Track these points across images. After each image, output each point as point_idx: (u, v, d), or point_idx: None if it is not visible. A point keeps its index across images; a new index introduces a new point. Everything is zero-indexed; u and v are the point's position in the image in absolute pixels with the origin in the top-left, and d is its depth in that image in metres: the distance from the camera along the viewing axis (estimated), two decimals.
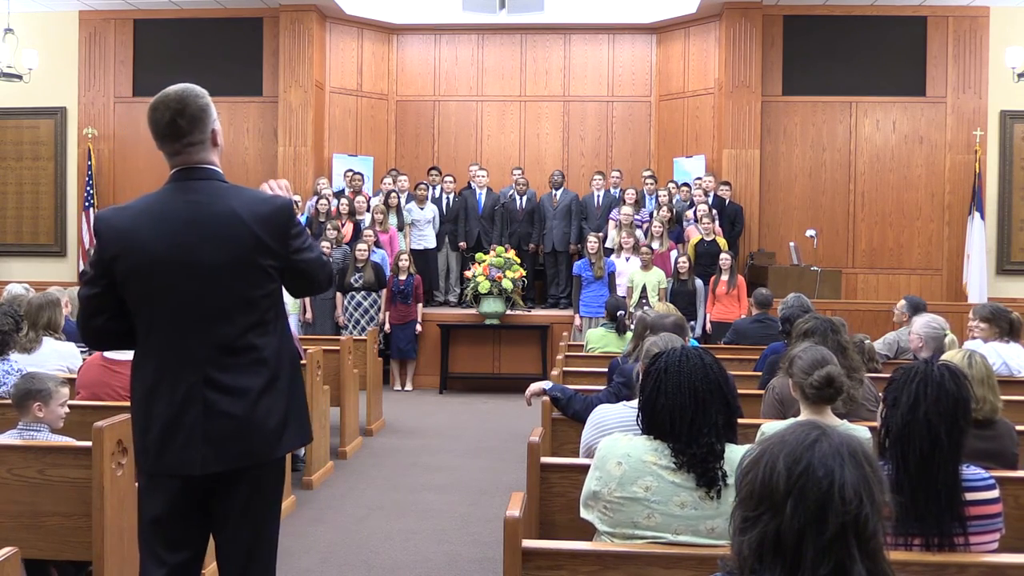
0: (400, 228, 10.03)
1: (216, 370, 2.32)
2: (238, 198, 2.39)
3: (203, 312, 2.33)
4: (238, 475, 2.35)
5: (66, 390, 3.50)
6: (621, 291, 8.94)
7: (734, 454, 2.20)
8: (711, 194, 10.19)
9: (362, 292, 9.05)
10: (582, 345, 6.84)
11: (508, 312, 9.52)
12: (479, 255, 9.69)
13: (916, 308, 5.97)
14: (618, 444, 2.27)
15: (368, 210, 10.08)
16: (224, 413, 2.30)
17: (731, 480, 2.15)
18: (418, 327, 9.38)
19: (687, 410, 2.21)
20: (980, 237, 10.43)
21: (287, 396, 2.41)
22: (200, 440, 2.29)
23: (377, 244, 9.46)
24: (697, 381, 2.24)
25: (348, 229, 9.79)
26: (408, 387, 9.45)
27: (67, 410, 3.49)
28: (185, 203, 2.36)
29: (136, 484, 3.32)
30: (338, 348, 6.57)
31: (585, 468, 2.36)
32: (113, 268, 2.35)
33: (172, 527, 2.35)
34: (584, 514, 2.27)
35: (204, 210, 2.35)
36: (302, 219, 8.50)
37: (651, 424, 2.28)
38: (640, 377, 2.66)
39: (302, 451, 5.58)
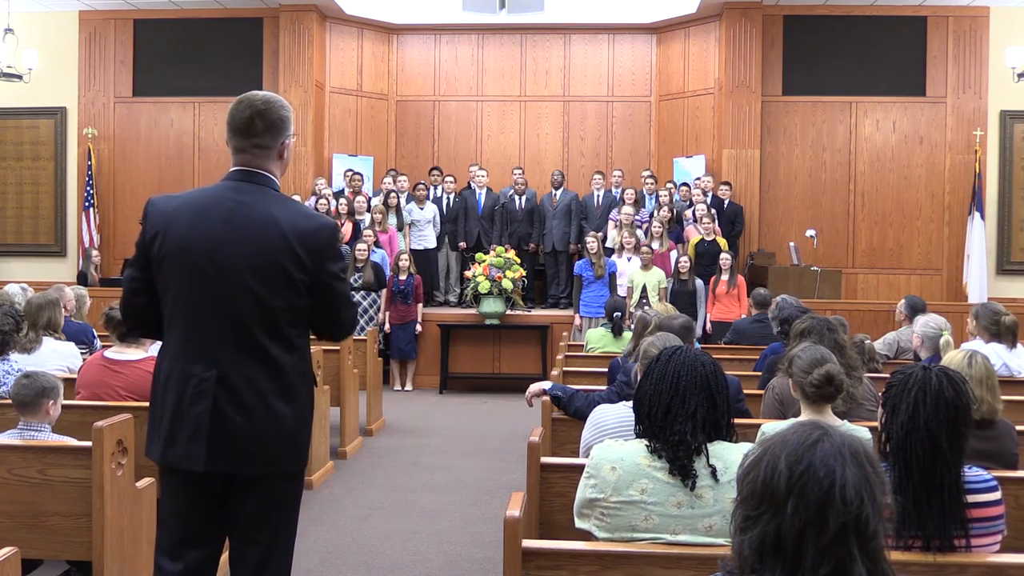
0: (400, 228, 10.03)
1: (230, 370, 2.31)
2: (283, 208, 2.41)
3: (221, 309, 2.33)
4: (252, 481, 2.34)
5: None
6: (622, 291, 8.94)
7: (729, 452, 2.21)
8: (710, 194, 10.19)
9: (361, 292, 9.04)
10: (582, 345, 6.84)
11: (508, 312, 9.51)
12: (479, 255, 9.69)
13: (915, 309, 5.95)
14: (610, 450, 2.28)
15: (368, 210, 10.08)
16: (232, 415, 2.30)
17: (724, 478, 2.16)
18: (418, 327, 9.38)
19: (665, 395, 2.26)
20: (980, 237, 10.43)
21: (299, 415, 2.40)
22: (205, 437, 2.28)
23: (377, 244, 9.45)
24: (682, 372, 2.28)
25: (348, 229, 9.78)
26: (408, 387, 9.45)
27: None
28: (229, 202, 2.38)
29: (136, 484, 3.34)
30: (338, 348, 6.56)
31: None
32: (150, 250, 2.38)
33: (187, 524, 2.36)
34: (580, 524, 2.27)
35: (245, 211, 2.37)
36: None
37: (637, 411, 2.34)
38: (639, 377, 2.67)
39: None
